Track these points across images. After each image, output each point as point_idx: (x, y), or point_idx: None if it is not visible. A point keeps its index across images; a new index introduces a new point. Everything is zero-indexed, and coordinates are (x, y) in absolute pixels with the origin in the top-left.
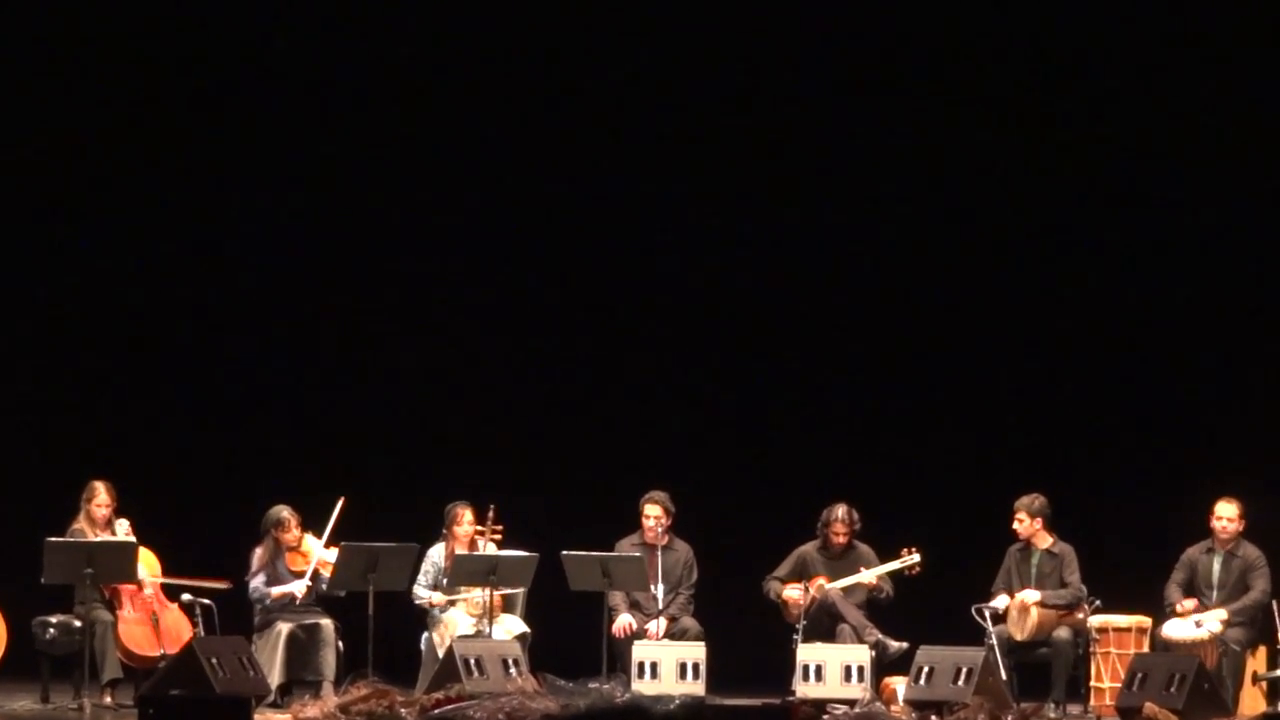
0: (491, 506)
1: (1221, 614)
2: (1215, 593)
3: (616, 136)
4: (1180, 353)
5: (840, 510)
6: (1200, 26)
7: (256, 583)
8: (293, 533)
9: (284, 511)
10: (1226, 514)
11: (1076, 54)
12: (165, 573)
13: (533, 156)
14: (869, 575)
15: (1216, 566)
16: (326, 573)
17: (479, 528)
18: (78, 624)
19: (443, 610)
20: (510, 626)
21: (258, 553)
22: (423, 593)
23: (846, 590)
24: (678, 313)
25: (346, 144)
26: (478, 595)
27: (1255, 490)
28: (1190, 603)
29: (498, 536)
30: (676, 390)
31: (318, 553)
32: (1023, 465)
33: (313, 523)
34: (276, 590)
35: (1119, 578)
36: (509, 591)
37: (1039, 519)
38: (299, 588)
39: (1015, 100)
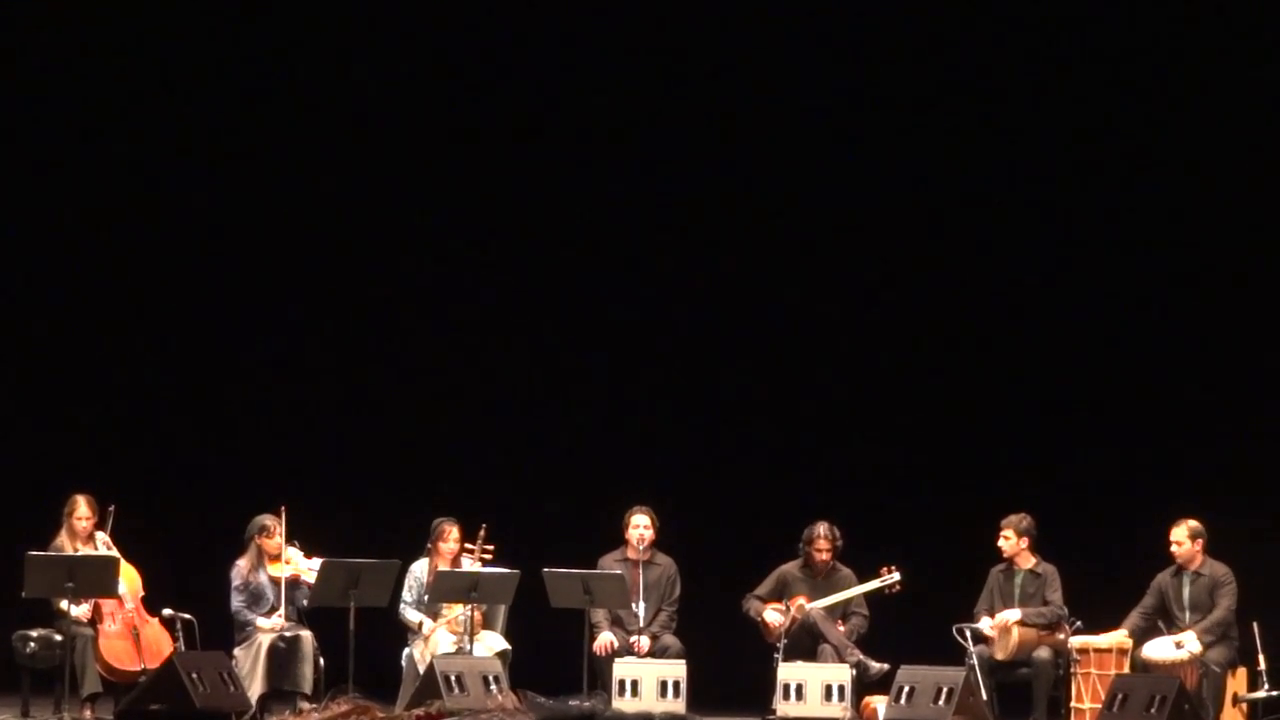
0: (483, 526)
1: (1192, 635)
2: (1189, 614)
3: (604, 154)
4: (1159, 375)
5: (822, 528)
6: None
7: (238, 604)
8: (275, 539)
9: (267, 519)
10: (1176, 535)
11: (1065, 66)
12: (145, 588)
13: (518, 176)
14: (850, 594)
15: (1186, 588)
16: (310, 577)
17: (468, 546)
18: (58, 638)
19: (432, 630)
20: (491, 643)
21: (240, 564)
22: (412, 615)
23: (827, 610)
24: (660, 331)
25: (339, 156)
26: (459, 613)
27: (1225, 510)
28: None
29: (488, 556)
30: (659, 408)
31: (299, 563)
32: (1005, 486)
33: (296, 537)
34: (263, 623)
35: (1100, 599)
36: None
37: (1025, 538)
38: (277, 623)
39: (998, 118)
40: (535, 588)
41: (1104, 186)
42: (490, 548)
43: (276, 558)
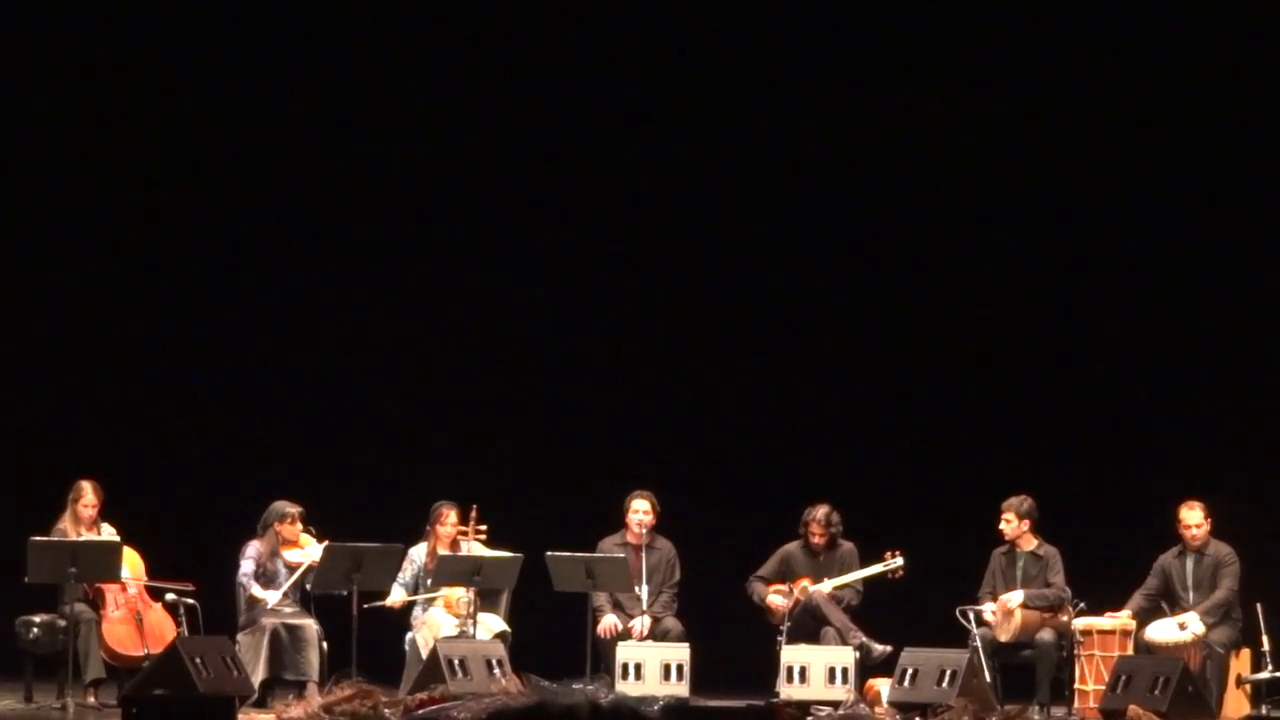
0: (474, 507)
1: (1195, 616)
2: (1193, 594)
3: (604, 138)
4: (1162, 356)
5: (820, 512)
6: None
7: (248, 570)
8: (296, 526)
9: (288, 506)
10: (1194, 520)
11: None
12: (149, 574)
13: (517, 159)
14: (854, 578)
15: (1189, 569)
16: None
17: (462, 528)
18: (62, 623)
19: (425, 610)
20: (490, 625)
21: (256, 545)
22: (397, 593)
23: (832, 591)
24: (662, 313)
25: (335, 144)
26: (453, 593)
27: (1228, 491)
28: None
29: (481, 536)
30: (660, 390)
31: (313, 551)
32: (1008, 467)
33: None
34: (257, 592)
35: (1103, 581)
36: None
37: (1026, 520)
38: (273, 598)
39: (1001, 110)
40: (536, 572)
41: (1108, 173)
42: (483, 528)
43: (291, 543)
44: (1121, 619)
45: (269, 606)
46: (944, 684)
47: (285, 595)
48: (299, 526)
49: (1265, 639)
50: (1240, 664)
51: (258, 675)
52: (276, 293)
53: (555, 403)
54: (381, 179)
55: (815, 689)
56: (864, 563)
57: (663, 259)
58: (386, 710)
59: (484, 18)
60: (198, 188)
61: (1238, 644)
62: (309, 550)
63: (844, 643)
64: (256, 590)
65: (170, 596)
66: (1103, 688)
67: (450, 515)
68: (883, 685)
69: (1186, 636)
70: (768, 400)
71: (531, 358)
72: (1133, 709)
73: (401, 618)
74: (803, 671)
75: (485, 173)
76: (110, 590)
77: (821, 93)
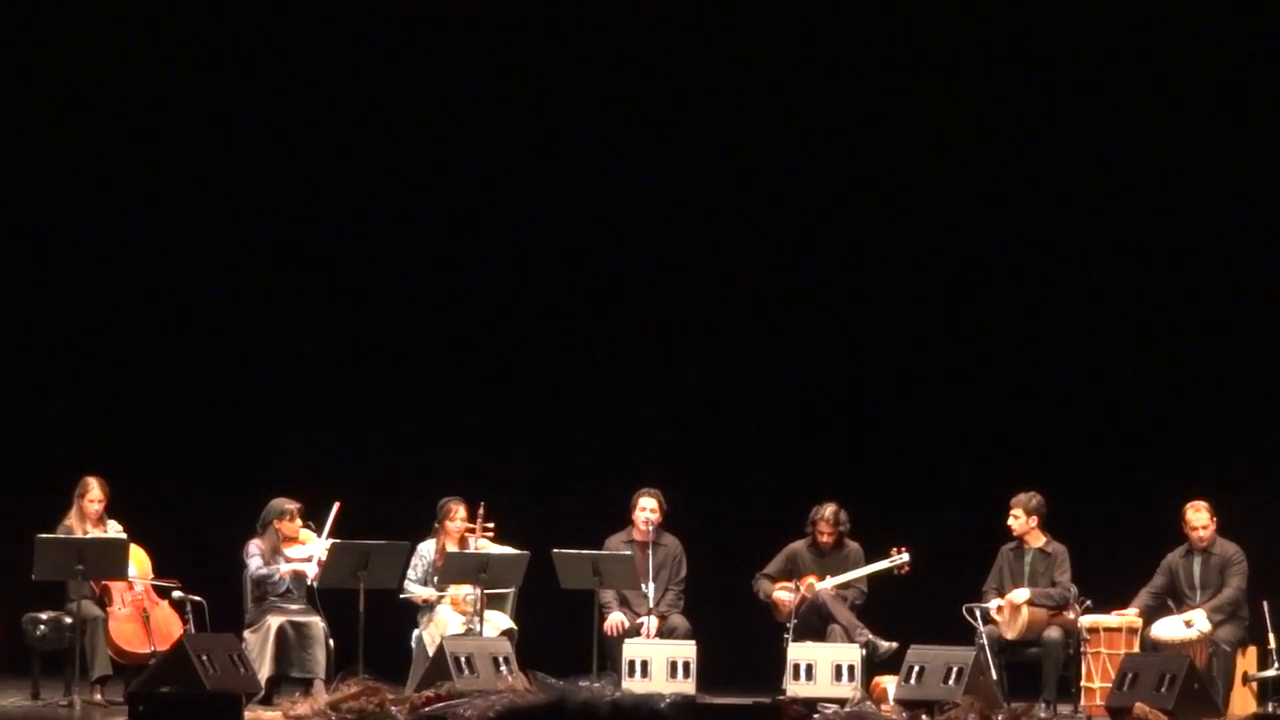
0: (481, 504)
1: (1202, 614)
2: (1200, 593)
3: (609, 136)
4: (1168, 355)
5: (828, 510)
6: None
7: (257, 564)
8: (296, 522)
9: (286, 503)
10: (1200, 521)
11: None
12: (155, 571)
13: (521, 157)
14: (860, 574)
15: (1197, 568)
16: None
17: (469, 525)
18: (68, 621)
19: (434, 605)
20: (497, 623)
21: (258, 544)
22: (418, 589)
23: (837, 589)
24: (668, 309)
25: (336, 144)
26: (464, 591)
27: (1235, 491)
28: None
29: (488, 534)
30: (667, 387)
31: (315, 547)
32: (1015, 465)
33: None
34: (286, 567)
35: (1109, 578)
36: (495, 592)
37: (1034, 517)
38: (311, 569)
39: (1006, 105)
40: (542, 569)
41: (1115, 169)
42: (490, 525)
43: (292, 539)
44: (1129, 616)
45: (315, 568)
46: (950, 681)
47: (315, 575)
48: (298, 523)
49: (1271, 637)
50: (1247, 662)
51: (264, 672)
52: (281, 291)
53: (562, 399)
54: (384, 178)
55: (821, 686)
56: (870, 560)
57: (668, 256)
58: (393, 708)
59: (494, 16)
60: (201, 187)
61: (1244, 642)
62: (311, 546)
63: (850, 640)
64: (286, 566)
65: (177, 594)
66: (1109, 685)
67: (459, 510)
68: (889, 682)
69: (1193, 634)
70: (774, 397)
71: (538, 354)
72: (1139, 706)
73: (408, 615)
74: (809, 669)
75: (488, 171)
76: (117, 587)
77: (830, 79)
